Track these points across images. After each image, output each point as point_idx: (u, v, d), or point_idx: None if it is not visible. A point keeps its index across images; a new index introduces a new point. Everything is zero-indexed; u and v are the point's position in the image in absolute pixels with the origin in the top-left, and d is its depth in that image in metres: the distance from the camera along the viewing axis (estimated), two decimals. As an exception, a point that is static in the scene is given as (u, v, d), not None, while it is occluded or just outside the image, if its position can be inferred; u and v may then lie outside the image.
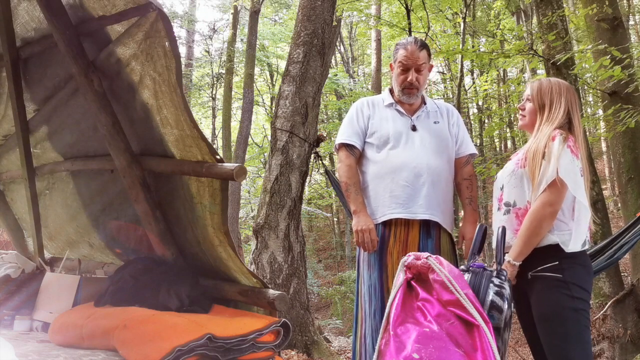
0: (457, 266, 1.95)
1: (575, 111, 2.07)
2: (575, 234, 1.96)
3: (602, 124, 7.24)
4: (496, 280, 1.81)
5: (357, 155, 2.52)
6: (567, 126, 2.05)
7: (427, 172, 2.38)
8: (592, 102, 12.68)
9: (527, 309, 2.00)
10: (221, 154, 5.87)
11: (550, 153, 1.92)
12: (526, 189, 2.00)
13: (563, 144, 1.94)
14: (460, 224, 2.56)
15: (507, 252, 2.00)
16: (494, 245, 2.05)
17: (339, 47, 17.45)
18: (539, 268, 1.92)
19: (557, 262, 1.91)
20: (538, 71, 11.91)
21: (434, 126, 2.51)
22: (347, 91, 15.11)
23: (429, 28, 9.41)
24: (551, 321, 1.89)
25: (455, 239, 2.54)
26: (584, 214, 1.99)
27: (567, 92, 2.09)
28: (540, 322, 1.93)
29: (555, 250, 1.93)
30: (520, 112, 2.18)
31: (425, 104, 2.57)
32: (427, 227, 2.38)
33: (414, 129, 2.46)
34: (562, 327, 1.87)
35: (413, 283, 1.81)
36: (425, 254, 1.82)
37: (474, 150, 2.58)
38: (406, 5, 8.22)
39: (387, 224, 2.39)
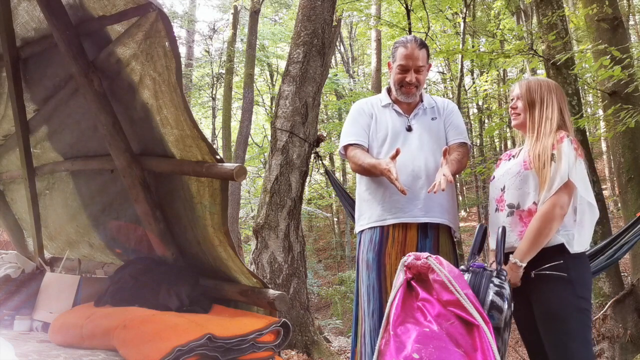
0: (457, 266, 1.95)
1: (565, 110, 2.10)
2: (579, 234, 1.98)
3: (602, 124, 7.24)
4: (496, 280, 1.81)
5: (364, 150, 2.47)
6: (563, 126, 2.06)
7: (426, 174, 2.36)
8: (592, 102, 12.68)
9: (527, 309, 2.00)
10: (221, 154, 5.87)
11: (561, 155, 1.93)
12: (531, 191, 1.99)
13: (571, 145, 1.96)
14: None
15: (509, 253, 2.00)
16: (492, 246, 2.05)
17: (339, 47, 17.46)
18: (544, 267, 1.93)
19: (562, 261, 1.92)
20: (538, 71, 11.90)
21: (431, 123, 2.48)
22: (347, 91, 15.12)
23: (429, 28, 9.41)
24: (556, 320, 1.89)
25: (455, 239, 2.53)
26: (591, 216, 2.01)
27: (557, 90, 2.11)
28: (544, 321, 1.93)
29: (560, 250, 1.94)
30: (513, 111, 2.16)
31: (422, 101, 2.53)
32: (425, 228, 2.37)
33: (409, 129, 2.45)
34: (566, 326, 1.88)
35: (413, 283, 1.81)
36: (425, 254, 1.82)
37: (466, 140, 2.47)
38: (406, 5, 8.22)
39: (385, 226, 2.39)
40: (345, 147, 2.50)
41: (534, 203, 1.98)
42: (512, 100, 2.19)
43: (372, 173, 2.37)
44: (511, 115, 2.19)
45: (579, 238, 1.98)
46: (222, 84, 14.42)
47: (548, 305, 1.92)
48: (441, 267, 1.75)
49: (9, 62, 2.68)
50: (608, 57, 4.33)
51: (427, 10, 9.54)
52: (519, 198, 2.02)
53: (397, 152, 2.20)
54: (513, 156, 2.20)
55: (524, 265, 1.93)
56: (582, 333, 1.88)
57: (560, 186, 1.90)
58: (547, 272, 1.92)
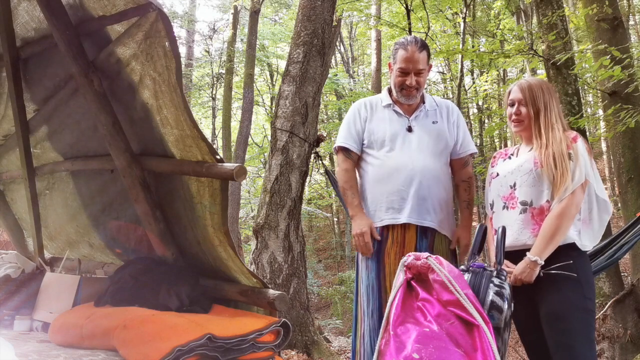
0: (456, 266, 1.95)
1: (561, 110, 2.12)
2: (587, 231, 2.01)
3: (602, 124, 7.24)
4: (496, 280, 1.81)
5: (354, 158, 2.51)
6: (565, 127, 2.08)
7: (424, 175, 2.37)
8: (592, 102, 12.68)
9: (529, 309, 2.00)
10: (221, 154, 5.86)
11: (577, 154, 1.96)
12: (545, 189, 2.00)
13: (584, 145, 1.99)
14: (457, 228, 2.53)
15: (515, 251, 2.00)
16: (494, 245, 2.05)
17: (339, 47, 17.45)
18: (554, 266, 1.93)
19: (571, 261, 1.93)
20: (538, 71, 11.90)
21: (432, 126, 2.48)
22: (347, 91, 15.11)
23: (429, 28, 9.41)
24: (562, 320, 1.89)
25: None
26: (602, 212, 2.04)
27: (553, 92, 2.13)
28: (549, 320, 1.93)
29: (568, 248, 1.95)
30: (516, 117, 2.12)
31: (424, 103, 2.53)
32: (424, 228, 2.38)
33: (410, 130, 2.45)
34: (572, 327, 1.88)
35: (413, 283, 1.81)
36: (425, 254, 1.82)
37: (474, 150, 2.55)
38: (406, 5, 8.22)
39: (384, 227, 2.39)
40: (338, 149, 2.54)
41: (547, 201, 1.98)
42: (512, 104, 2.14)
43: (346, 204, 2.50)
44: (512, 121, 2.15)
45: (587, 234, 2.00)
46: (222, 84, 14.42)
47: (555, 306, 1.92)
48: (441, 267, 1.75)
49: (9, 62, 2.69)
50: (608, 57, 4.32)
51: (427, 10, 9.54)
52: (532, 195, 2.02)
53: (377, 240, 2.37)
54: (512, 154, 2.19)
55: (542, 262, 1.92)
56: (587, 333, 1.89)
57: (578, 185, 1.92)
58: (557, 272, 1.92)
